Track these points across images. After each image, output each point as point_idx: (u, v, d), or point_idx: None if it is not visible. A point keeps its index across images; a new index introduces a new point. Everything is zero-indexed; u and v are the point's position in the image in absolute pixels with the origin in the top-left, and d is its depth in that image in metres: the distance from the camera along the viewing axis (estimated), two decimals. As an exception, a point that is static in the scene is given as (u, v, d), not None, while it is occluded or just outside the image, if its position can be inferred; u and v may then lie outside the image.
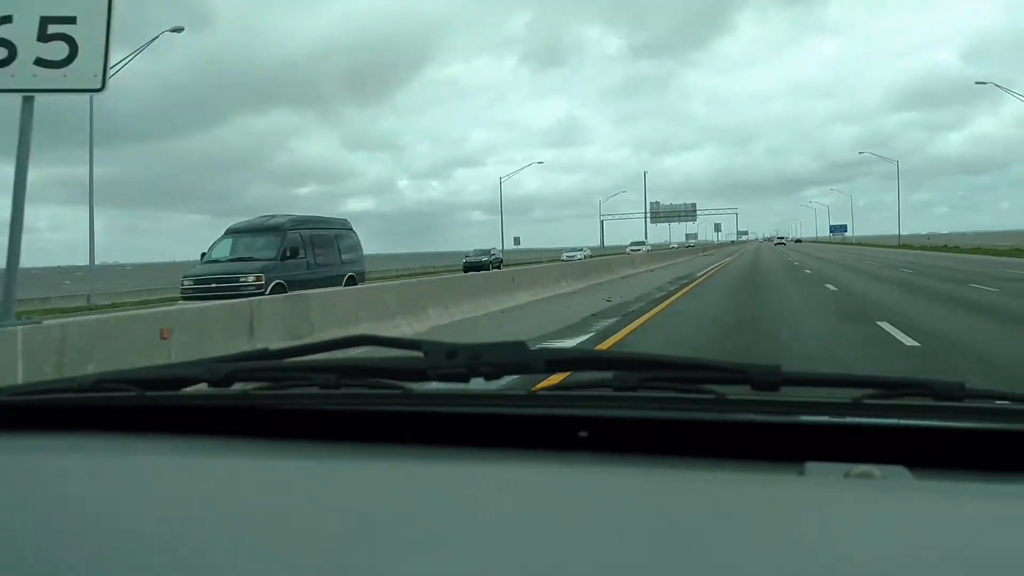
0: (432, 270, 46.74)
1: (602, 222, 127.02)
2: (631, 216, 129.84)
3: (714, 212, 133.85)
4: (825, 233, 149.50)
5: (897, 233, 78.47)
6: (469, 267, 38.56)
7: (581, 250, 57.22)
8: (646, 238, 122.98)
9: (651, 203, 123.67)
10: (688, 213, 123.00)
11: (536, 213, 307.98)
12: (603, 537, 0.67)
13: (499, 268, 35.57)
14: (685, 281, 22.50)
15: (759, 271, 28.34)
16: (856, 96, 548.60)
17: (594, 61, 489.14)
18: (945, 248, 63.65)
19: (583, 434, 0.97)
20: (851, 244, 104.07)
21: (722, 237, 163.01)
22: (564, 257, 48.22)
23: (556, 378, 1.12)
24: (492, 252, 47.00)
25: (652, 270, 29.88)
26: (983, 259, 36.31)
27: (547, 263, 28.59)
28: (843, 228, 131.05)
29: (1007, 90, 38.58)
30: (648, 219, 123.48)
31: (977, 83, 40.24)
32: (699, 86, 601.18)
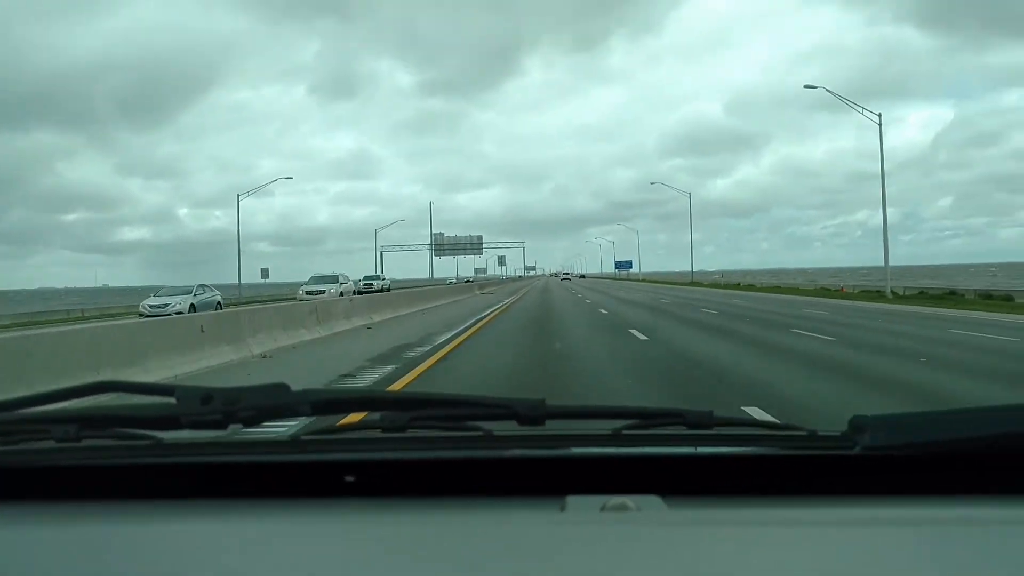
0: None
1: (381, 254, 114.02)
2: (417, 248, 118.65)
3: (501, 245, 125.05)
4: (610, 269, 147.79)
5: (686, 269, 72.63)
6: None
7: (191, 293, 26.48)
8: (431, 271, 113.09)
9: (435, 235, 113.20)
10: (474, 246, 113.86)
11: (328, 245, 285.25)
12: None
13: None
14: (386, 371, 9.23)
15: (554, 329, 16.03)
16: (634, 141, 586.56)
17: (386, 95, 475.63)
18: (739, 286, 57.90)
19: (350, 479, 0.95)
20: (638, 280, 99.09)
21: (508, 271, 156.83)
22: (145, 309, 24.69)
23: (356, 417, 1.06)
24: None
25: (367, 327, 16.42)
26: (836, 303, 27.43)
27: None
28: (628, 264, 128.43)
29: (841, 97, 30.56)
30: (432, 251, 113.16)
31: (806, 87, 31.91)
32: (490, 125, 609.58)
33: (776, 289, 47.14)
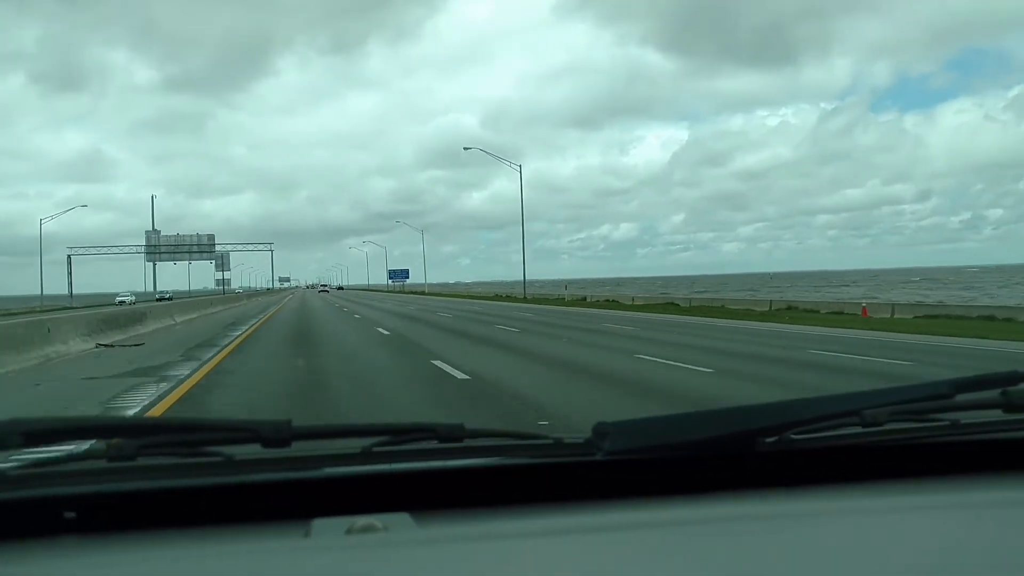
0: None
1: (69, 258, 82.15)
2: (125, 252, 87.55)
3: (241, 247, 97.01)
4: (379, 280, 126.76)
5: (446, 281, 53.34)
6: None
7: None
8: (153, 281, 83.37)
9: (151, 233, 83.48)
10: (204, 248, 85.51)
11: (56, 254, 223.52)
12: None
13: None
14: None
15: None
16: (391, 151, 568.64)
17: (122, 91, 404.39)
18: (586, 302, 40.70)
19: (70, 515, 0.88)
20: (425, 293, 79.17)
21: (256, 283, 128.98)
22: None
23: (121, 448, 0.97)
24: None
25: None
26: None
27: None
28: (405, 274, 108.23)
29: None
30: (145, 256, 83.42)
31: None
32: (240, 127, 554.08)
33: (674, 309, 30.42)
